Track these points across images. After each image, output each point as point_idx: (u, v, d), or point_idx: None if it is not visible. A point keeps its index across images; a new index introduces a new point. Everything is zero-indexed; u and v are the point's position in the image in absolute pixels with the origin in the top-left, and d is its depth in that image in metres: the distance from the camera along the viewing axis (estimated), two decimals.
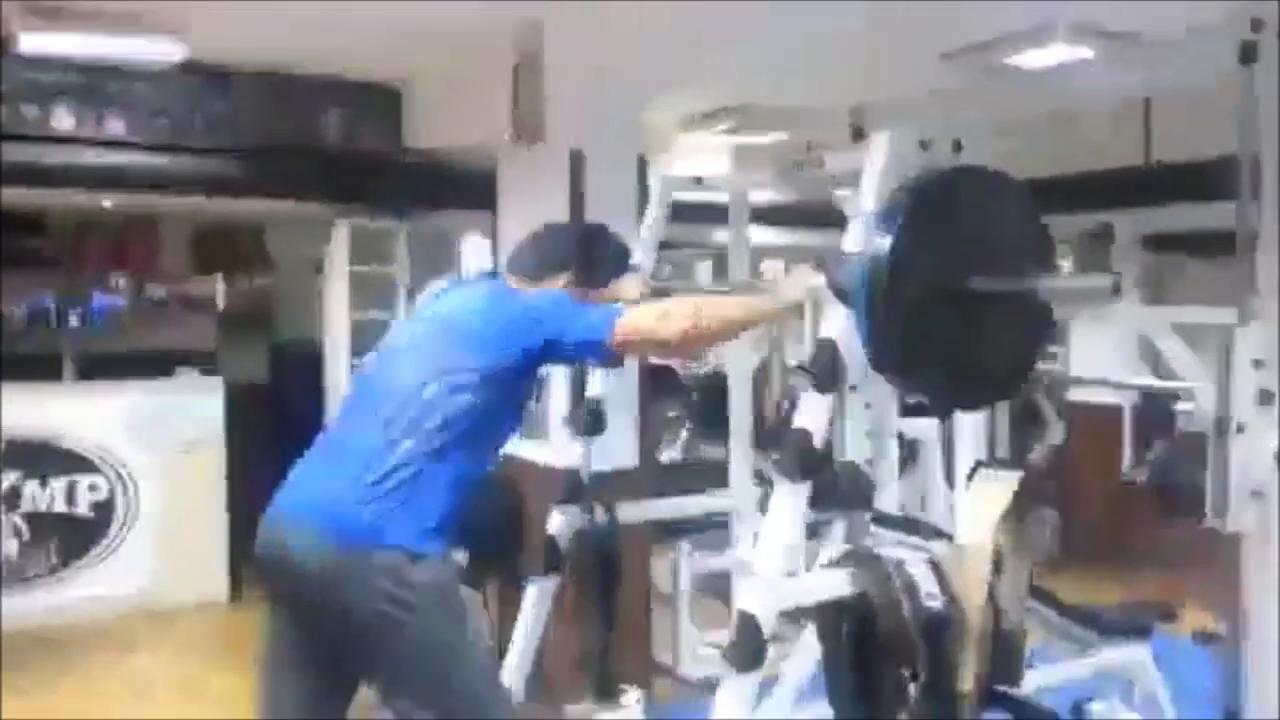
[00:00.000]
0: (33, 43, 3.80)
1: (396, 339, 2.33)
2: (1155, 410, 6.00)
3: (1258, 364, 2.40)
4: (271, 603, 2.21)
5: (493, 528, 3.89)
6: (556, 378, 3.70)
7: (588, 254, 2.35)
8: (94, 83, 4.39)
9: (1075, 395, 6.02)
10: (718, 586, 4.37)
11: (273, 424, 5.72)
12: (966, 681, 2.21)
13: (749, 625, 2.05)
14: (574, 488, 2.89)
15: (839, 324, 2.13)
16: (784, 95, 5.11)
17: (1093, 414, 6.01)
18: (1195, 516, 4.33)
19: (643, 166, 3.74)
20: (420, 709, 2.08)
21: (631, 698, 3.06)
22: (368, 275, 5.14)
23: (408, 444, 2.06)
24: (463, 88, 4.52)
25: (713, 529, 3.99)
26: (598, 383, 2.92)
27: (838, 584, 2.17)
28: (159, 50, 3.96)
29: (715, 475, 4.24)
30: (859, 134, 3.67)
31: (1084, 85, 3.91)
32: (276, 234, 6.74)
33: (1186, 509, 4.61)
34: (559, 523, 2.88)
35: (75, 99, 4.38)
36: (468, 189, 5.18)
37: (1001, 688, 2.34)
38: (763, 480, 3.29)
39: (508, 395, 2.18)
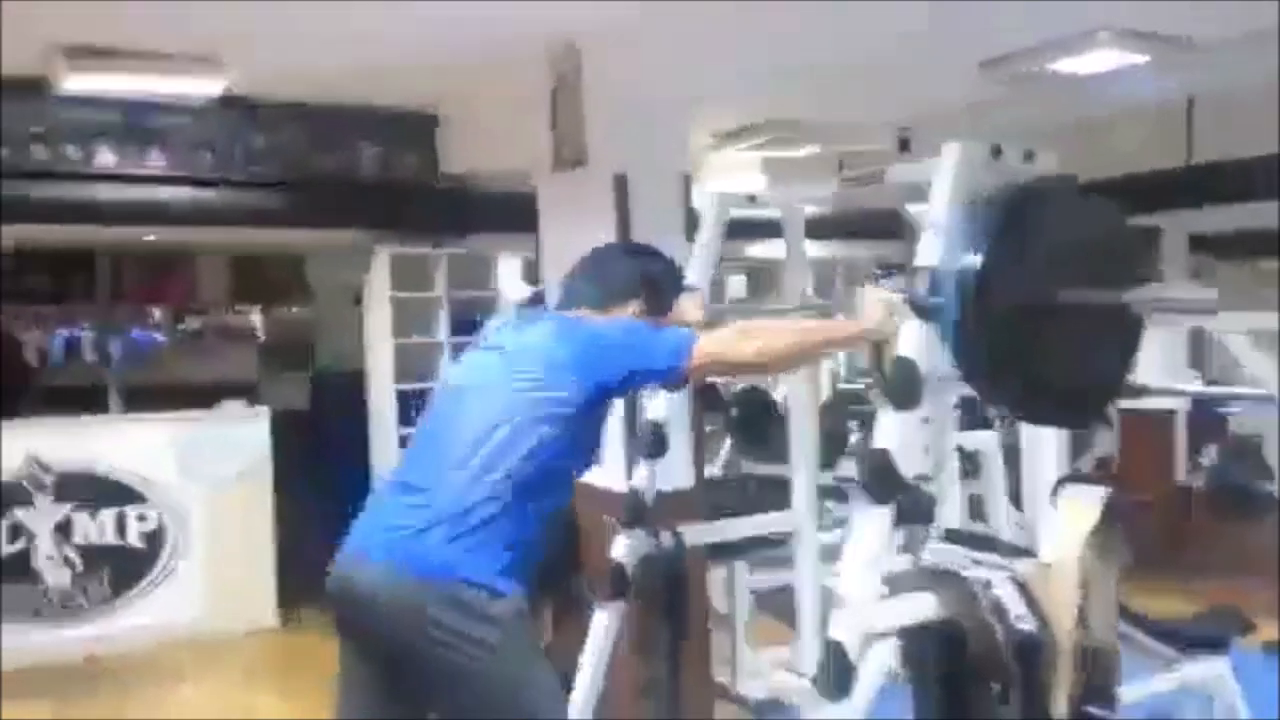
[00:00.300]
0: (76, 83, 3.83)
1: (463, 377, 2.26)
2: (1206, 415, 5.91)
3: None
4: (346, 643, 2.17)
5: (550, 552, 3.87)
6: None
7: (654, 279, 2.31)
8: (134, 119, 4.43)
9: (1126, 403, 5.93)
10: (772, 605, 4.33)
11: (316, 452, 5.76)
12: (1060, 704, 2.16)
13: (837, 652, 2.00)
14: (638, 511, 2.84)
15: (915, 341, 2.08)
16: (819, 110, 5.11)
17: (1144, 420, 5.92)
18: (1256, 518, 4.26)
19: (686, 185, 3.70)
20: None
21: None
22: (407, 301, 5.13)
23: (483, 483, 2.02)
24: (498, 113, 4.53)
25: (765, 546, 3.94)
26: (659, 404, 2.88)
27: (925, 608, 2.11)
28: (198, 86, 4.00)
29: (762, 491, 4.24)
30: (904, 145, 3.66)
31: (1130, 90, 3.90)
32: (314, 264, 6.77)
33: (1247, 511, 4.53)
34: (624, 548, 2.83)
35: (116, 136, 4.42)
36: (505, 213, 5.19)
37: (1093, 709, 2.29)
38: (825, 496, 3.24)
39: (584, 429, 2.14)
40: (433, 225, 5.23)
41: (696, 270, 2.93)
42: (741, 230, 4.05)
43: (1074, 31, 3.66)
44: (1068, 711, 2.16)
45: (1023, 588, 2.16)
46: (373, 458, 5.47)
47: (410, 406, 5.31)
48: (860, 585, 2.04)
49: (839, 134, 5.48)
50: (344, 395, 6.34)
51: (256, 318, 6.46)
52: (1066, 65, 3.79)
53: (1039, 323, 1.84)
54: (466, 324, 5.36)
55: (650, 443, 2.86)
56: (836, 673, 2.00)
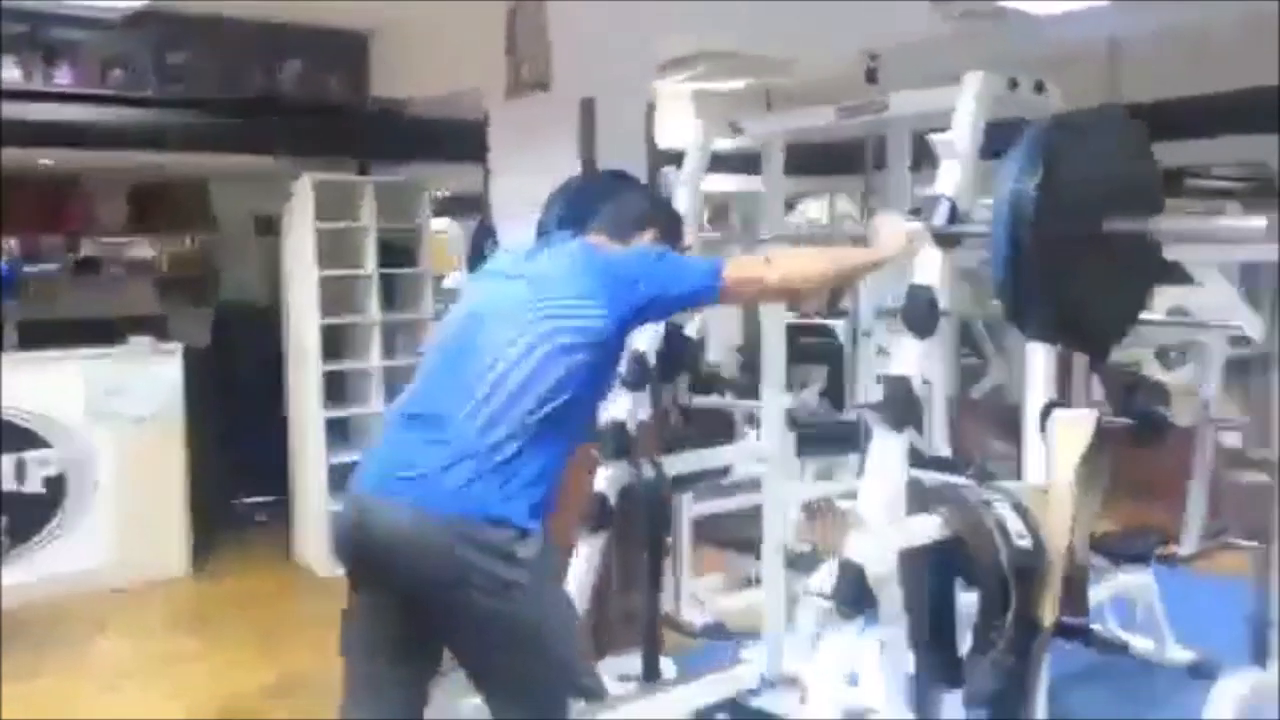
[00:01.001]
0: None
1: (482, 305, 2.15)
2: None
3: None
4: (361, 590, 2.09)
5: None
6: None
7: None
8: (42, 33, 4.07)
9: None
10: (709, 534, 4.42)
11: (223, 391, 5.51)
12: (1049, 616, 2.28)
13: (854, 572, 2.06)
14: (620, 442, 2.84)
15: (934, 269, 2.13)
16: (771, 42, 5.08)
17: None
18: (1158, 444, 4.56)
19: (650, 114, 3.65)
20: (514, 684, 2.04)
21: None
22: (330, 232, 4.92)
23: (510, 417, 1.96)
24: (439, 35, 4.36)
25: (713, 476, 3.99)
26: (641, 338, 2.87)
27: (935, 528, 2.19)
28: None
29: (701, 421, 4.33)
30: (871, 76, 3.69)
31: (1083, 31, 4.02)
32: (219, 191, 6.41)
33: (1151, 438, 4.84)
34: (607, 479, 2.83)
35: (21, 51, 4.06)
36: (439, 140, 5.04)
37: (1068, 619, 2.43)
38: (795, 425, 3.30)
39: (610, 359, 2.11)
40: (360, 151, 5.02)
41: (684, 200, 2.91)
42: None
43: None
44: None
45: (1021, 509, 2.27)
46: (289, 396, 5.27)
47: (335, 342, 5.13)
48: (881, 507, 2.10)
49: (772, 66, 5.48)
50: (251, 331, 6.08)
51: (157, 248, 6.08)
52: (1017, 3, 3.86)
53: (1079, 251, 1.90)
54: (395, 257, 5.21)
55: (635, 372, 2.86)
56: (852, 591, 2.07)
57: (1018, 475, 2.58)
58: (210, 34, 4.44)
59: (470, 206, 8.01)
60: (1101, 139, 1.96)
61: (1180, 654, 3.32)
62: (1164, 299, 4.54)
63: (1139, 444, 4.80)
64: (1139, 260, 2.02)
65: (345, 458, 5.10)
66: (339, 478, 5.08)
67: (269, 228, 6.29)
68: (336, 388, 5.13)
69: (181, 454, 4.95)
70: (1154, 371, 5.45)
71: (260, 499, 5.80)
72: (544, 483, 2.00)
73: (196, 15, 4.36)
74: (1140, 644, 3.07)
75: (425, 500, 1.94)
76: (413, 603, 2.01)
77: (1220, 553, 5.16)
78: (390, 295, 5.21)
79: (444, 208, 6.96)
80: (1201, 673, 3.12)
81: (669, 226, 2.28)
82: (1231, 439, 5.16)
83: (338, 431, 5.12)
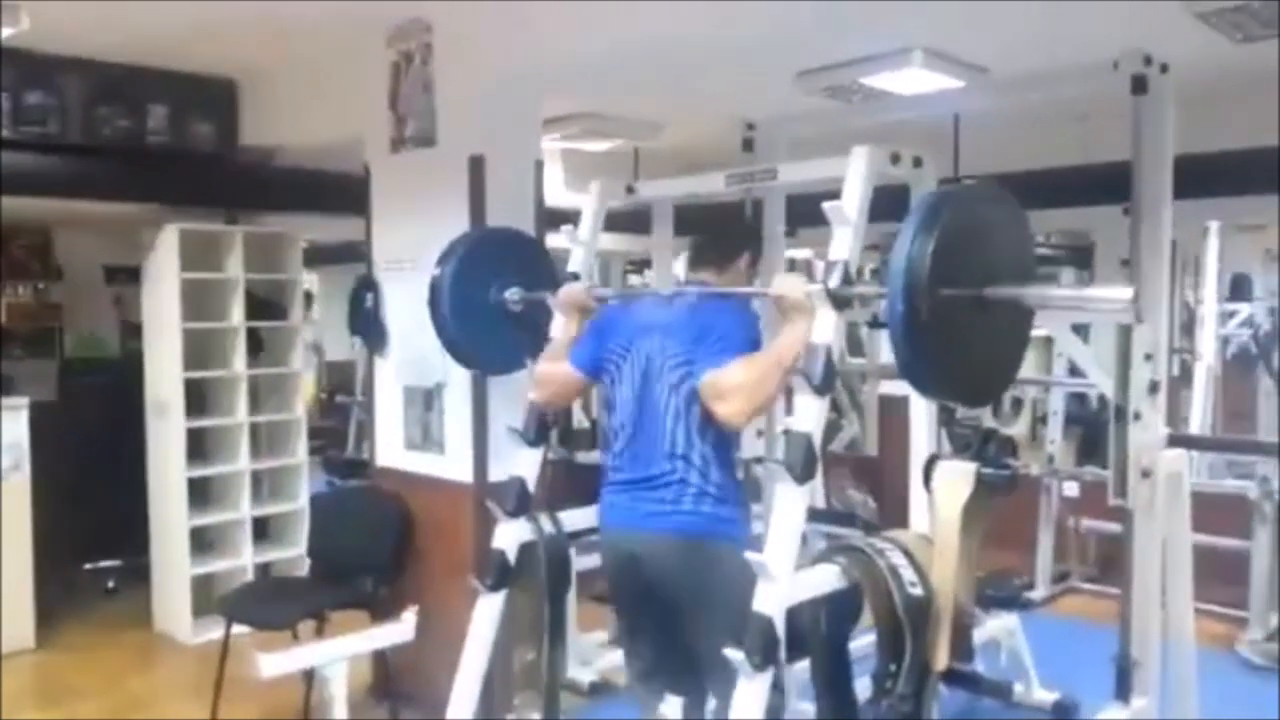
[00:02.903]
0: None
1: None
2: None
3: (1148, 358, 2.75)
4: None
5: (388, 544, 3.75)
6: (456, 391, 3.61)
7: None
8: None
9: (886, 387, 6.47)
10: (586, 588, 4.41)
11: (71, 450, 5.18)
12: (941, 660, 2.38)
13: (765, 624, 2.12)
14: (521, 498, 2.83)
15: (830, 328, 2.23)
16: (639, 108, 5.23)
17: (897, 402, 6.51)
18: (1009, 493, 4.83)
19: (539, 171, 3.69)
20: None
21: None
22: (194, 282, 4.73)
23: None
24: (316, 83, 4.29)
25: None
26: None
27: (835, 577, 2.27)
28: None
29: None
30: (748, 145, 3.84)
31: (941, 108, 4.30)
32: (64, 239, 6.07)
33: (1004, 488, 5.15)
34: (508, 535, 2.81)
35: None
36: (310, 190, 4.94)
37: (957, 664, 2.55)
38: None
39: None
40: (229, 200, 4.86)
41: (579, 260, 2.96)
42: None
43: (889, 49, 3.99)
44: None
45: (910, 557, 2.38)
46: (149, 453, 5.00)
47: (199, 397, 4.91)
48: (785, 560, 2.16)
49: (642, 129, 5.63)
50: (102, 385, 5.76)
51: None
52: (879, 81, 4.11)
53: (967, 312, 2.02)
54: (264, 309, 5.04)
55: (534, 429, 2.86)
56: (764, 645, 2.12)
57: (886, 524, 2.73)
58: (71, 74, 4.23)
59: (338, 257, 7.89)
60: (986, 209, 2.12)
61: (1044, 695, 3.51)
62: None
63: (995, 494, 5.09)
64: (1017, 321, 2.17)
65: (207, 519, 4.89)
66: (200, 541, 4.86)
67: (119, 277, 6.02)
68: (198, 444, 4.89)
69: (28, 517, 4.64)
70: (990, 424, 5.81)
71: (112, 563, 5.46)
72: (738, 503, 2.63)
73: (56, 54, 4.16)
74: (1019, 688, 3.24)
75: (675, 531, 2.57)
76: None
77: (1066, 596, 5.51)
78: (258, 348, 5.04)
79: (310, 258, 6.79)
80: (1064, 711, 3.31)
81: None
82: (1070, 489, 5.53)
83: (199, 492, 4.88)
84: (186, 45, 4.10)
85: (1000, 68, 3.92)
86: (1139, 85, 2.68)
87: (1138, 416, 2.72)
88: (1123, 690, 2.83)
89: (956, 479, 2.45)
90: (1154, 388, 2.75)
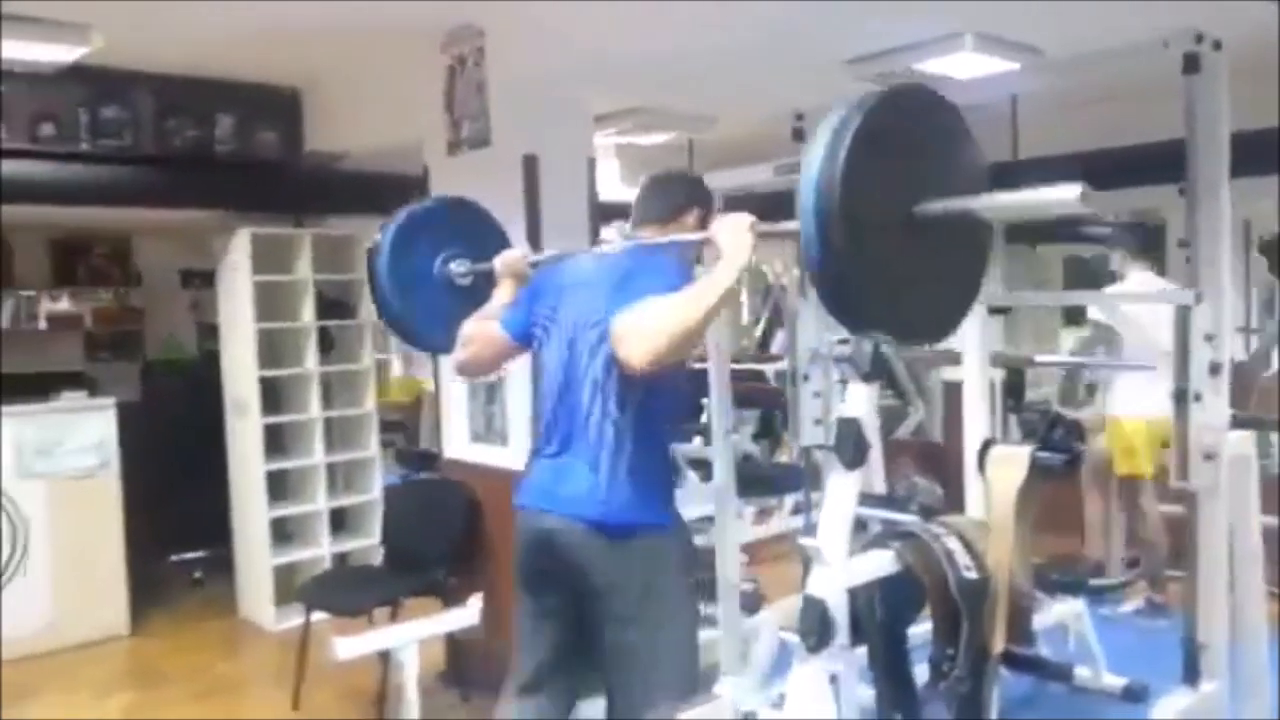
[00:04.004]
0: None
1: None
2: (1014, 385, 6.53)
3: (1209, 339, 2.71)
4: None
5: (457, 533, 3.86)
6: (516, 384, 3.70)
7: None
8: None
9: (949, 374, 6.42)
10: None
11: (156, 446, 5.40)
12: (998, 644, 2.40)
13: (817, 608, 2.15)
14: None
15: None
16: (692, 102, 5.27)
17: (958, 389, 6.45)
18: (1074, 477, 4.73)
19: (591, 168, 3.76)
20: None
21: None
22: (266, 284, 4.90)
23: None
24: (375, 89, 4.42)
25: None
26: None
27: (890, 561, 2.30)
28: (56, 52, 3.68)
29: None
30: (798, 134, 3.85)
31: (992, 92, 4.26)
32: (143, 246, 6.34)
33: (1068, 472, 5.08)
34: None
35: None
36: (373, 193, 5.06)
37: (1016, 647, 2.56)
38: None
39: None
40: (296, 204, 5.02)
41: None
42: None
43: (940, 34, 3.97)
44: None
45: (965, 542, 2.39)
46: (229, 449, 5.20)
47: (274, 394, 5.09)
48: (838, 544, 2.20)
49: (695, 122, 5.67)
50: (183, 384, 6.00)
51: (81, 303, 5.98)
52: (931, 66, 4.09)
53: (897, 238, 1.77)
54: (333, 308, 5.20)
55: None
56: (817, 626, 2.16)
57: (951, 509, 2.71)
58: (143, 88, 4.42)
59: None
60: (917, 117, 1.84)
61: (1113, 679, 3.48)
62: (1080, 338, 4.81)
63: (1060, 478, 5.01)
64: (966, 248, 1.92)
65: (286, 511, 5.07)
66: (280, 532, 5.05)
67: (195, 281, 6.27)
68: (276, 440, 5.08)
69: (119, 510, 4.86)
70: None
71: (199, 554, 5.69)
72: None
73: (128, 69, 4.34)
74: (1081, 672, 3.21)
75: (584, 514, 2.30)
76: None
77: (1140, 581, 5.41)
78: (329, 346, 5.21)
79: None
80: (1134, 696, 3.28)
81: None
82: None
83: (277, 485, 5.06)
84: (251, 56, 4.25)
85: (1055, 48, 3.88)
86: (1191, 64, 2.61)
87: (1198, 398, 2.68)
88: (1190, 675, 2.79)
89: (1011, 463, 2.46)
90: (1215, 369, 2.71)
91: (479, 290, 2.71)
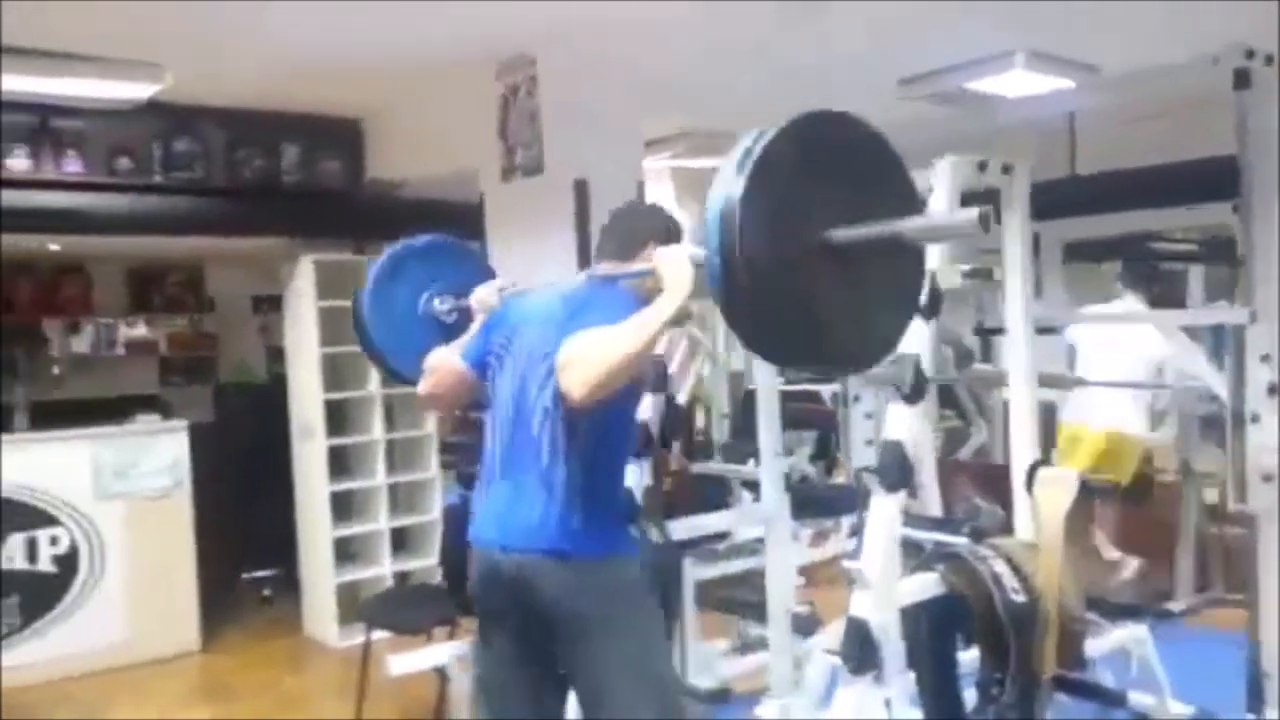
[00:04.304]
0: (5, 85, 3.65)
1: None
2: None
3: (1265, 359, 2.66)
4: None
5: None
6: None
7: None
8: (52, 122, 4.23)
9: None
10: (707, 598, 4.48)
11: (228, 466, 5.58)
12: (1048, 668, 2.37)
13: (860, 630, 2.16)
14: (629, 509, 2.93)
15: (921, 338, 2.26)
16: (744, 125, 5.29)
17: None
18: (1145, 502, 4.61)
19: (641, 192, 3.81)
20: None
21: None
22: (333, 309, 5.04)
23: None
24: (432, 119, 4.54)
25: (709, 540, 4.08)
26: (644, 408, 2.99)
27: (934, 584, 2.29)
28: (132, 90, 3.87)
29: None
30: None
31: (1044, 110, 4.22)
32: (215, 273, 6.58)
33: (1142, 497, 4.96)
34: None
35: (31, 140, 4.22)
36: (431, 219, 5.18)
37: (1068, 672, 2.52)
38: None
39: None
40: (357, 232, 5.16)
41: None
42: None
43: (992, 52, 3.95)
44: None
45: (1013, 564, 2.37)
46: (295, 471, 5.34)
47: (338, 416, 5.22)
48: (881, 565, 2.20)
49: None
50: (252, 407, 6.18)
51: (155, 329, 6.23)
52: (984, 85, 4.08)
53: (816, 267, 1.72)
54: None
55: (641, 441, 2.97)
56: (859, 648, 2.16)
57: (1008, 532, 2.68)
58: (212, 121, 4.61)
59: None
60: (825, 147, 1.78)
61: (1179, 708, 3.38)
62: (1142, 359, 4.75)
63: (1128, 502, 4.91)
64: (895, 274, 1.86)
65: (350, 531, 5.19)
66: (343, 551, 5.17)
67: (264, 306, 6.47)
68: (340, 461, 5.20)
69: (190, 530, 5.03)
70: None
71: (268, 573, 5.84)
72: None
73: (198, 104, 4.53)
74: (1138, 698, 3.14)
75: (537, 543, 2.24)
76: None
77: (1210, 608, 5.26)
78: None
79: None
80: None
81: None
82: (1210, 495, 5.28)
83: (341, 505, 5.19)
84: (314, 89, 4.41)
85: (1113, 64, 3.84)
86: (1241, 79, 2.59)
87: (1255, 419, 2.63)
88: (1254, 703, 2.72)
89: (1059, 486, 2.43)
90: (1273, 390, 2.65)
91: (465, 326, 2.69)
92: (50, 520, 4.70)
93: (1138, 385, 4.35)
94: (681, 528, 3.22)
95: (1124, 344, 4.75)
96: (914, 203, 1.89)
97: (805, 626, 3.40)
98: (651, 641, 2.27)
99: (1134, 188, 5.08)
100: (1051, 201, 5.56)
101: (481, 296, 2.62)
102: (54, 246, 5.54)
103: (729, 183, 1.67)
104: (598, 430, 2.17)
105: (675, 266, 2.03)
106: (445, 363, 2.45)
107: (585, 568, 2.16)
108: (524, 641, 2.24)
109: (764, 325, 1.74)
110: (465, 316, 2.74)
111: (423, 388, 2.50)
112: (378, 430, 5.19)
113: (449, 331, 2.75)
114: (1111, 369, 4.71)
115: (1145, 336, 4.52)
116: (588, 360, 2.00)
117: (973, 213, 1.70)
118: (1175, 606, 4.89)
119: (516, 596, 2.19)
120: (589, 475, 2.18)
